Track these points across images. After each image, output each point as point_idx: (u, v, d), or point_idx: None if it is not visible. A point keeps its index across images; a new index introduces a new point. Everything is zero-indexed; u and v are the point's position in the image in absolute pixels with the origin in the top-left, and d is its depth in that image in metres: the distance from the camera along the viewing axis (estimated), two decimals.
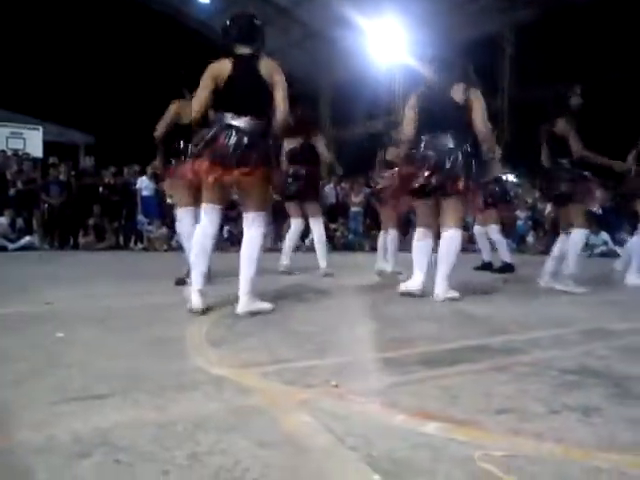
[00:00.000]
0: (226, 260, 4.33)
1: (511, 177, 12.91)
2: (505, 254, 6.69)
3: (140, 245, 12.08)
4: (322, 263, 5.82)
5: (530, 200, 12.97)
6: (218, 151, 3.15)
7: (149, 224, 12.25)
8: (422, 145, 3.99)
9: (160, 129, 4.81)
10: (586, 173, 4.64)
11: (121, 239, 12.42)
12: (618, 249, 11.16)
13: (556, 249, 4.83)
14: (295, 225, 6.07)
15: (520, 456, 1.21)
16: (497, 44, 15.98)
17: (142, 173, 12.63)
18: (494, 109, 15.23)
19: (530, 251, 11.80)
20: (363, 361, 2.18)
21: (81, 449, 1.23)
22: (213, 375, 1.87)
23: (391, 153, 6.06)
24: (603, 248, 11.34)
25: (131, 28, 16.69)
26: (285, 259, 5.90)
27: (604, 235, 11.53)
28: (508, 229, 12.70)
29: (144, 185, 12.48)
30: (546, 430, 1.37)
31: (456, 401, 1.61)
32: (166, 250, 11.28)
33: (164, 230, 11.93)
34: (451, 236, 3.93)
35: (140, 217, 12.41)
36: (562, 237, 4.81)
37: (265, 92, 3.24)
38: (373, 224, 12.75)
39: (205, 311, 3.17)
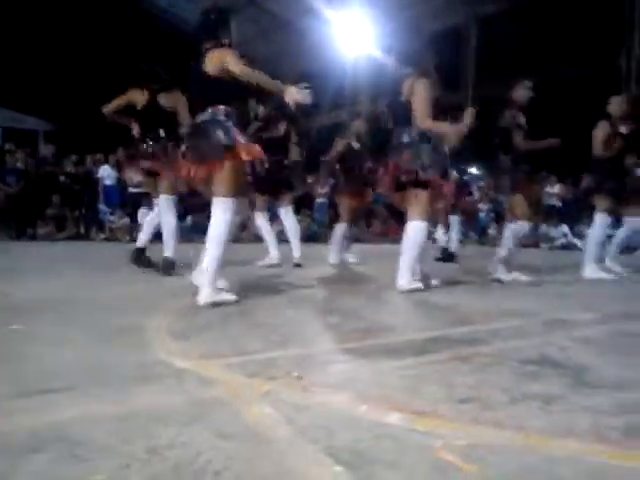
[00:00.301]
0: (190, 250, 4.27)
1: (473, 170, 13.09)
2: (454, 244, 6.84)
3: (102, 235, 11.85)
4: (296, 253, 5.85)
5: (492, 192, 13.17)
6: (190, 149, 3.29)
7: (111, 214, 12.04)
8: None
9: (110, 107, 4.76)
10: (524, 166, 4.73)
11: (82, 229, 12.16)
12: (577, 242, 11.44)
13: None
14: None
15: (481, 445, 1.22)
16: (461, 37, 16.13)
17: (105, 161, 12.40)
18: (458, 102, 15.40)
19: (491, 243, 11.98)
20: (326, 352, 2.18)
21: (36, 444, 1.20)
22: (174, 367, 1.84)
23: (340, 144, 6.10)
24: (563, 240, 11.61)
25: (93, 12, 16.27)
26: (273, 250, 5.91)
27: (564, 228, 11.80)
28: (470, 221, 12.90)
29: (106, 174, 12.25)
30: (507, 419, 1.39)
31: (418, 391, 1.61)
32: (129, 240, 11.10)
33: (127, 220, 11.74)
34: (414, 228, 3.95)
35: (102, 206, 12.18)
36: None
37: (216, 83, 3.26)
38: (338, 215, 12.80)
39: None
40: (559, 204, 12.73)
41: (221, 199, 3.23)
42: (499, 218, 13.01)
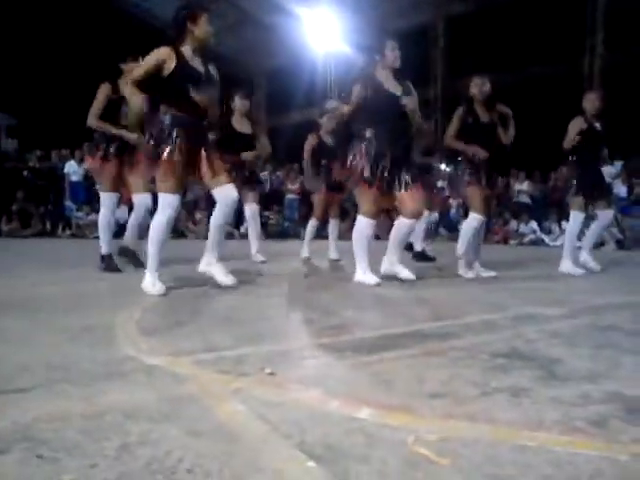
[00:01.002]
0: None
1: (443, 166, 13.20)
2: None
3: (68, 232, 11.65)
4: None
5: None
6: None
7: (78, 210, 11.84)
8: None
9: (93, 117, 4.66)
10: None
11: (48, 225, 11.94)
12: (546, 238, 11.63)
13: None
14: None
15: (453, 439, 1.23)
16: (429, 35, 16.25)
17: (71, 157, 12.18)
18: (426, 99, 15.51)
19: None
20: (298, 349, 2.17)
21: (1, 445, 1.16)
22: (144, 364, 1.82)
23: (311, 140, 6.10)
24: (532, 236, 11.79)
25: (58, 4, 15.92)
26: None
27: (533, 224, 11.99)
28: (441, 217, 13.02)
29: (72, 170, 12.04)
30: (478, 412, 1.40)
31: (390, 386, 1.62)
32: (96, 237, 10.93)
33: (93, 216, 11.56)
34: (358, 224, 4.18)
35: (68, 203, 11.97)
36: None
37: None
38: (309, 212, 12.80)
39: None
40: (528, 201, 12.92)
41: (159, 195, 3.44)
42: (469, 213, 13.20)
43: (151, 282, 3.42)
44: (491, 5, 13.80)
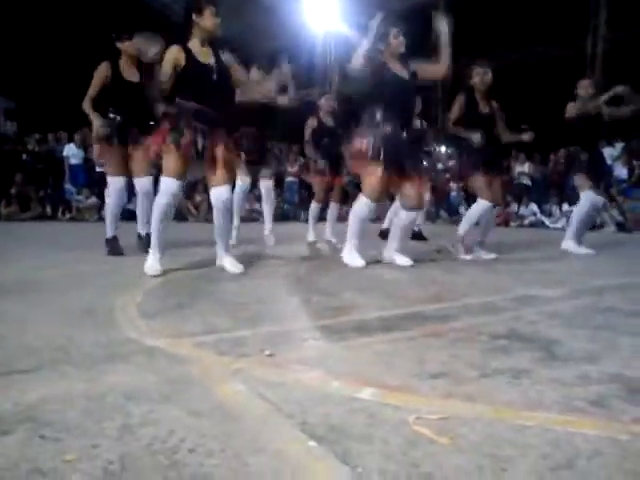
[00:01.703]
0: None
1: (443, 148, 13.16)
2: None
3: (68, 215, 11.64)
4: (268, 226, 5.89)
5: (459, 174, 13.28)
6: None
7: (78, 193, 11.82)
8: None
9: (87, 101, 4.62)
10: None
11: (48, 209, 11.92)
12: (546, 220, 11.61)
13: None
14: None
15: (453, 418, 1.24)
16: (430, 14, 16.06)
17: (69, 140, 12.12)
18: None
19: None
20: (298, 330, 2.17)
21: (3, 426, 1.17)
22: (145, 346, 1.83)
23: (311, 122, 6.05)
24: (532, 219, 11.76)
25: None
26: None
27: (533, 206, 11.96)
28: (441, 200, 13.02)
29: (71, 153, 12.01)
30: (477, 393, 1.41)
31: (391, 367, 1.62)
32: (96, 220, 10.93)
33: (94, 200, 11.55)
34: (356, 203, 4.22)
35: (68, 186, 11.95)
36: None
37: None
38: (309, 194, 12.77)
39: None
40: (529, 183, 12.89)
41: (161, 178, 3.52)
42: (470, 197, 13.17)
43: (150, 263, 3.50)
44: None
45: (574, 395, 1.39)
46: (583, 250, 5.30)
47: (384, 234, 6.83)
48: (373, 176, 4.02)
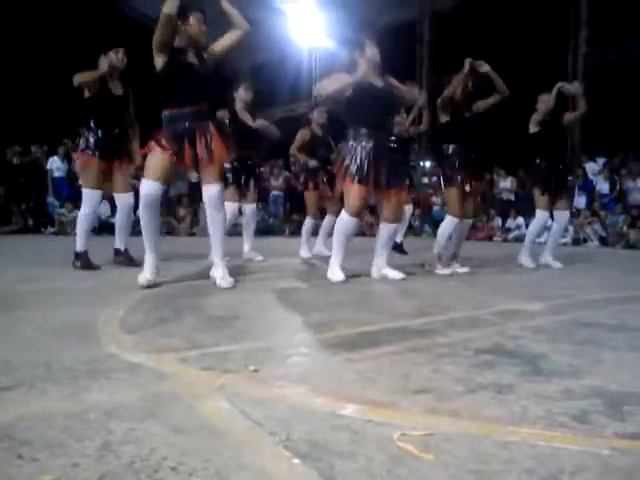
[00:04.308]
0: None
1: (428, 163, 13.25)
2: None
3: (51, 229, 11.52)
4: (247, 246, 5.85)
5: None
6: None
7: (61, 207, 11.71)
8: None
9: (85, 77, 4.57)
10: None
11: (30, 222, 11.79)
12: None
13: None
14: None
15: (437, 434, 1.23)
16: (415, 31, 16.25)
17: (52, 153, 12.04)
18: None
19: None
20: (281, 346, 2.16)
21: None
22: (128, 361, 1.80)
23: (302, 134, 6.06)
24: (517, 232, 11.81)
25: None
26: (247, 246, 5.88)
27: (520, 220, 12.02)
28: (424, 214, 13.09)
29: (55, 166, 11.92)
30: (462, 408, 1.41)
31: (374, 383, 1.62)
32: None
33: (77, 213, 11.44)
34: (339, 219, 4.21)
35: (51, 199, 11.84)
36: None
37: None
38: (294, 208, 12.78)
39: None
40: (511, 198, 13.00)
41: None
42: None
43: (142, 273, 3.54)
44: (477, 1, 13.84)
45: (558, 410, 1.39)
46: (533, 264, 5.41)
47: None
48: (352, 191, 4.04)
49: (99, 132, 4.64)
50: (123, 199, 4.79)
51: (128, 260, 4.83)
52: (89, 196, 4.68)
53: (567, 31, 13.29)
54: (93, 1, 15.41)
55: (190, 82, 3.51)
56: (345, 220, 4.11)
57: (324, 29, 15.91)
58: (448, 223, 4.85)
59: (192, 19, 3.49)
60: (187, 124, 3.49)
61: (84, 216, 4.74)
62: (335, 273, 4.05)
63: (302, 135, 6.13)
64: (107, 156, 4.66)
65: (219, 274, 3.63)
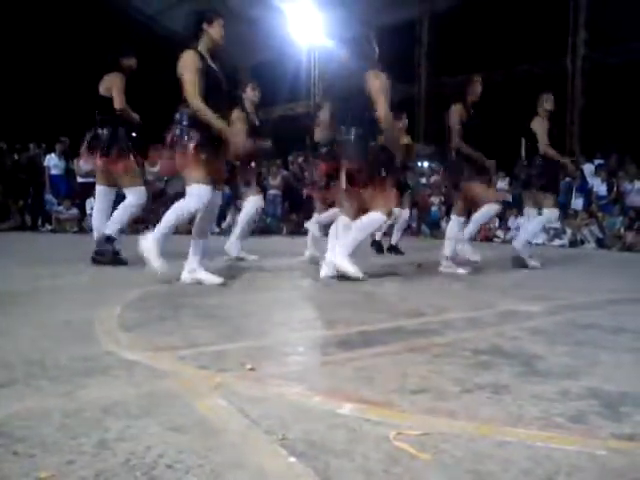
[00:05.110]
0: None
1: (426, 164, 13.27)
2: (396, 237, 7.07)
3: (48, 226, 11.50)
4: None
5: (444, 186, 13.34)
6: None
7: (59, 204, 11.69)
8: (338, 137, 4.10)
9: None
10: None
11: (27, 219, 11.76)
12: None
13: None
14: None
15: (434, 434, 1.23)
16: (414, 31, 16.25)
17: (50, 150, 12.02)
18: (410, 96, 15.54)
19: (443, 236, 12.13)
20: (279, 344, 2.16)
21: None
22: (124, 359, 1.80)
23: (317, 134, 6.05)
24: (515, 233, 11.76)
25: None
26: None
27: (520, 220, 11.97)
28: (422, 215, 13.09)
29: (53, 163, 11.89)
30: (459, 408, 1.41)
31: (372, 382, 1.62)
32: (76, 232, 10.82)
33: (75, 211, 11.43)
34: (370, 216, 4.02)
35: (49, 197, 11.81)
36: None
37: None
38: (291, 208, 12.76)
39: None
40: (508, 199, 12.98)
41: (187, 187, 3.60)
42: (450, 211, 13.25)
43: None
44: (476, 2, 13.84)
45: (554, 411, 1.40)
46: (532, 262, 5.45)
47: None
48: (390, 196, 4.03)
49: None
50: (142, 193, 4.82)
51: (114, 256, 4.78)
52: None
53: (565, 32, 13.30)
54: (93, 1, 15.38)
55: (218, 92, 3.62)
56: (379, 220, 4.06)
57: (323, 28, 15.88)
58: (490, 208, 4.92)
59: (216, 24, 3.63)
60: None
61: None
62: (352, 268, 3.90)
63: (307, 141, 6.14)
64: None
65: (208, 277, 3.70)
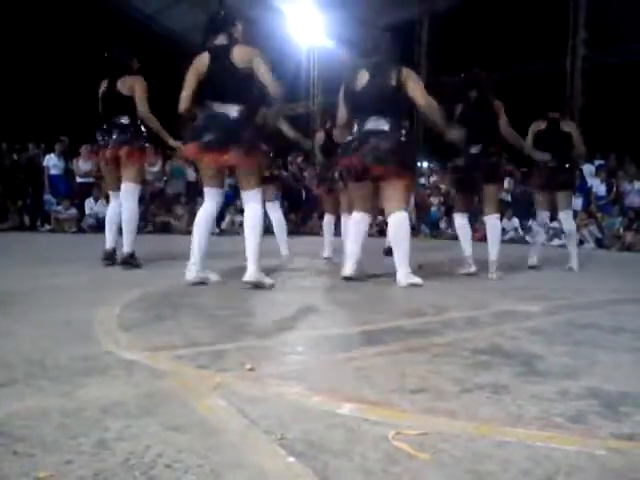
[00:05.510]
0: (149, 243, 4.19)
1: (425, 164, 13.27)
2: None
3: (47, 226, 11.49)
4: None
5: (443, 186, 13.36)
6: (207, 137, 3.49)
7: (58, 204, 11.69)
8: (357, 131, 4.07)
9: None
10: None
11: (26, 220, 11.75)
12: (526, 236, 11.69)
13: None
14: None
15: (433, 434, 1.23)
16: (413, 31, 16.25)
17: (48, 150, 12.01)
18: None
19: (443, 236, 12.17)
20: (278, 344, 2.16)
21: None
22: (123, 359, 1.80)
23: (320, 135, 6.05)
24: (512, 234, 11.78)
25: None
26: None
27: (515, 221, 12.00)
28: (422, 215, 13.09)
29: (52, 163, 11.89)
30: (458, 408, 1.41)
31: (371, 382, 1.61)
32: (75, 232, 10.82)
33: (73, 211, 11.43)
34: (398, 220, 3.96)
35: (47, 197, 11.81)
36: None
37: (241, 79, 3.58)
38: (291, 208, 12.76)
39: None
40: (507, 199, 12.98)
41: (251, 191, 3.67)
42: (450, 211, 13.25)
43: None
44: (476, 2, 13.85)
45: (554, 410, 1.39)
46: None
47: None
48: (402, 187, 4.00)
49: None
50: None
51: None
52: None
53: (565, 32, 13.31)
54: (93, 1, 15.38)
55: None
56: (406, 217, 4.00)
57: (323, 29, 15.89)
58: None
59: (239, 25, 3.78)
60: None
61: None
62: (412, 276, 3.87)
63: (318, 138, 6.14)
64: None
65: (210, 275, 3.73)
